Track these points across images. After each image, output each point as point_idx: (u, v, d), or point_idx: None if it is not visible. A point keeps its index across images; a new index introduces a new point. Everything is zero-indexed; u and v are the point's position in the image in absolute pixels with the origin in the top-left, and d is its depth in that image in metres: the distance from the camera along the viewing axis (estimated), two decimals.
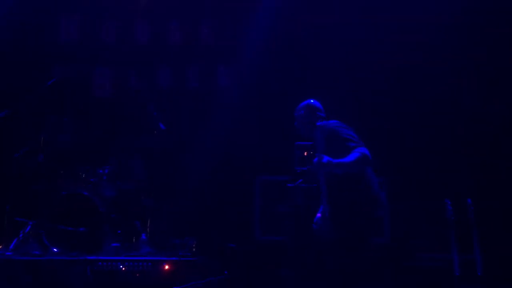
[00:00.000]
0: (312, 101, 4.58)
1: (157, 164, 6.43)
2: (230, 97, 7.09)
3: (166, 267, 5.38)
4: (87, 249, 5.58)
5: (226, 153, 6.82)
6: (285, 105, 6.79)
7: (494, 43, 6.63)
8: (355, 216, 4.04)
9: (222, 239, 6.22)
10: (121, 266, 5.32)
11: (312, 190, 5.40)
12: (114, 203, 6.07)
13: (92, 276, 5.23)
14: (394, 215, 5.99)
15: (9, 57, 6.97)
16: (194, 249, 5.86)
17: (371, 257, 4.17)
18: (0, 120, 5.82)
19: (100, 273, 5.28)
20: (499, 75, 6.60)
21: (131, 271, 5.32)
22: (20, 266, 5.22)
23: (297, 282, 5.27)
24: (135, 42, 7.32)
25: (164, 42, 7.34)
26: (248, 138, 6.84)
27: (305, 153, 5.58)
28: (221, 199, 6.75)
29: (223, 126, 6.90)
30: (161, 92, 7.24)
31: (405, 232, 6.07)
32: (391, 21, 6.78)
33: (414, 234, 6.08)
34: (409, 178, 6.29)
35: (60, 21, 7.29)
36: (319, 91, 6.90)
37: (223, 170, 6.78)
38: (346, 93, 6.61)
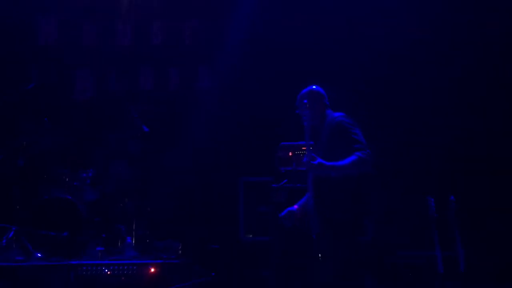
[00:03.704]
0: (315, 87, 4.32)
1: (140, 167, 6.40)
2: (213, 98, 7.09)
3: (152, 270, 5.37)
4: (71, 254, 5.54)
5: (209, 155, 6.82)
6: (267, 105, 6.90)
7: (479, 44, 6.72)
8: (341, 214, 3.93)
9: (206, 241, 6.22)
10: (106, 270, 5.29)
11: (296, 191, 5.43)
12: (97, 206, 6.03)
13: (76, 281, 5.19)
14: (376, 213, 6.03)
15: None
16: (179, 252, 5.85)
17: (357, 257, 4.06)
18: None
19: (84, 277, 5.25)
20: (485, 76, 6.69)
21: (116, 275, 5.29)
22: (2, 272, 5.16)
23: (281, 282, 5.29)
24: (116, 44, 7.27)
25: (145, 44, 7.30)
26: (231, 140, 6.85)
27: (290, 154, 5.61)
28: (205, 201, 6.74)
29: (206, 127, 6.89)
30: (143, 93, 7.20)
31: (388, 230, 6.12)
32: (371, 24, 6.84)
33: (397, 231, 6.14)
34: (392, 175, 6.35)
35: (39, 23, 7.19)
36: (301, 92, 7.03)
37: (206, 172, 6.78)
38: (328, 92, 6.64)
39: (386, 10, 6.77)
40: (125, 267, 5.34)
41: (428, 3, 6.79)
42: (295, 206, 4.34)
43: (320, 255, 4.05)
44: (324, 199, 3.99)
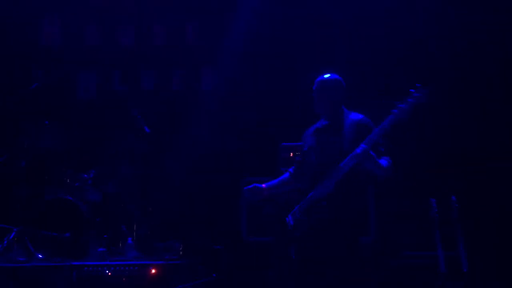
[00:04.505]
0: (339, 77, 4.13)
1: (142, 167, 6.41)
2: (215, 99, 7.10)
3: (153, 271, 5.37)
4: (73, 254, 5.55)
5: (212, 155, 6.82)
6: (269, 106, 6.92)
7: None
8: (352, 214, 3.88)
9: (209, 241, 6.23)
10: (107, 271, 5.29)
11: (298, 191, 5.43)
12: (99, 207, 6.04)
13: (77, 282, 5.20)
14: (379, 214, 6.04)
15: None
16: (181, 252, 5.85)
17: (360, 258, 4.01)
18: None
19: (86, 278, 5.25)
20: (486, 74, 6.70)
21: (117, 275, 5.30)
22: (4, 273, 5.16)
23: (284, 283, 5.29)
24: (118, 45, 7.28)
25: (148, 44, 7.31)
26: (233, 140, 6.86)
27: (291, 154, 5.61)
28: (208, 202, 6.75)
29: (208, 128, 6.90)
30: (146, 94, 7.22)
31: (390, 231, 6.12)
32: (371, 24, 6.85)
33: (399, 232, 6.14)
34: (394, 176, 6.34)
35: (41, 23, 7.20)
36: (305, 92, 7.03)
37: (209, 172, 6.78)
38: None
39: (386, 10, 6.79)
40: (127, 268, 5.34)
41: (428, 3, 6.80)
42: (263, 185, 4.24)
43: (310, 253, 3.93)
44: (343, 198, 3.82)
